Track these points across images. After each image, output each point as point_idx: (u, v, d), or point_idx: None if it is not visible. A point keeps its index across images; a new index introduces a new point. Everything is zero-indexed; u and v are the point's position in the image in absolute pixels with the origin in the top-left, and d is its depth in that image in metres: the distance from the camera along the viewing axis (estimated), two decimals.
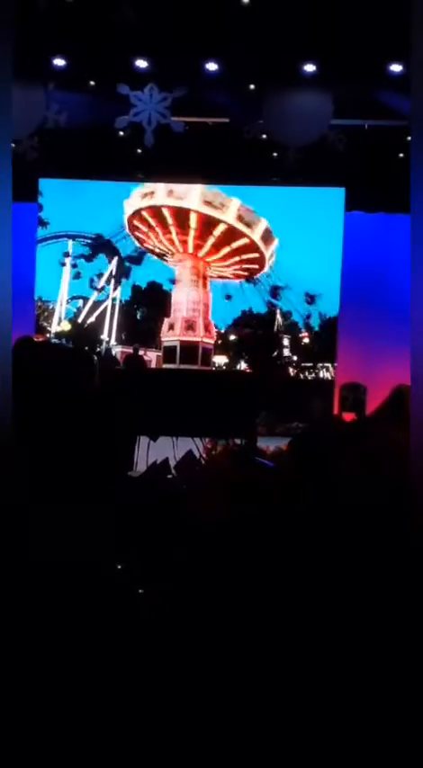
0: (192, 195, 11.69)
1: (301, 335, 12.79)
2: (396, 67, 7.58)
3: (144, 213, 12.10)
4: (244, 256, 12.29)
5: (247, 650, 1.96)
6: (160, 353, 12.73)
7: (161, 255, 12.55)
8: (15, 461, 2.02)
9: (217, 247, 12.30)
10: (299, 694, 1.91)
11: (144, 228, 12.30)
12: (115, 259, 12.81)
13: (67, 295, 13.11)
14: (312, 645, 1.95)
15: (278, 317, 12.85)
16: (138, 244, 12.56)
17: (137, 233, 12.44)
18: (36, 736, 1.89)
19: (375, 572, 2.01)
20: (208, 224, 11.94)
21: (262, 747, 1.89)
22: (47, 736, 1.89)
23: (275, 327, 12.93)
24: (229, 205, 11.74)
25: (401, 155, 8.42)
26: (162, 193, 11.71)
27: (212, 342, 12.90)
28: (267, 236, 12.00)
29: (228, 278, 12.66)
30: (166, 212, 11.97)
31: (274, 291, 12.40)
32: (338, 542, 2.06)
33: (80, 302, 13.32)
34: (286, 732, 1.90)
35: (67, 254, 12.67)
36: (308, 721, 1.89)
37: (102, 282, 13.14)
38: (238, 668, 1.94)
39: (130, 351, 11.94)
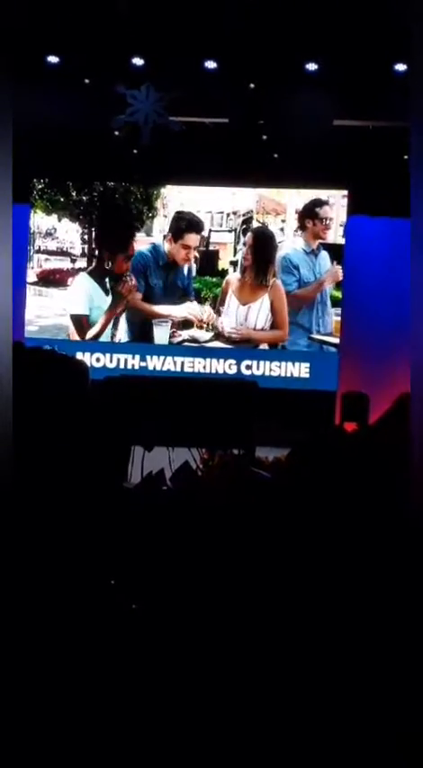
0: None
1: None
2: (401, 67, 7.58)
3: None
4: None
5: (244, 666, 1.92)
6: None
7: None
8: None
9: None
10: (299, 708, 1.89)
11: None
12: None
13: None
14: (311, 659, 1.92)
15: None
16: None
17: None
18: (27, 751, 1.84)
19: (377, 579, 1.98)
20: None
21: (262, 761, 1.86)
22: (39, 749, 1.85)
23: None
24: None
25: (406, 157, 8.32)
26: None
27: None
28: None
29: None
30: None
31: None
32: (339, 552, 2.03)
33: None
34: (287, 742, 1.88)
35: None
36: (309, 731, 1.87)
37: None
38: (235, 686, 1.91)
39: None
